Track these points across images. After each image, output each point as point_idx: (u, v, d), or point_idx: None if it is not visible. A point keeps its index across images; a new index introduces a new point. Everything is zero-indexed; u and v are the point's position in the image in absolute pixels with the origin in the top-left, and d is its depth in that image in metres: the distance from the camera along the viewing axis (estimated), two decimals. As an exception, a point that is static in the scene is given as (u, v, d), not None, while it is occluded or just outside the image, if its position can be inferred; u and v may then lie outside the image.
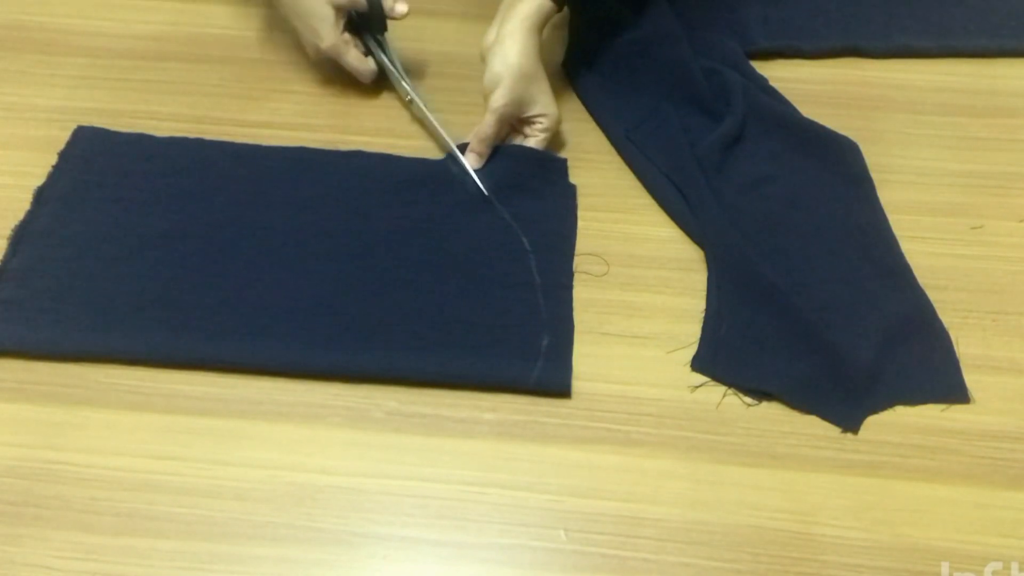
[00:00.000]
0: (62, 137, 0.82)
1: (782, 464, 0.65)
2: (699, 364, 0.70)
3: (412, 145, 0.83)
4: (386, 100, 0.88)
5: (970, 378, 0.69)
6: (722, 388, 0.69)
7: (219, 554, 0.60)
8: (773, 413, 0.68)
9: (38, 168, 0.80)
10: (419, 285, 0.73)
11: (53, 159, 0.80)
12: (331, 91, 0.88)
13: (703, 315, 0.73)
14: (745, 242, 0.75)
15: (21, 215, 0.76)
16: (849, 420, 0.67)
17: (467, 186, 0.79)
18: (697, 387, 0.69)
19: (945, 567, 0.61)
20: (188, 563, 0.60)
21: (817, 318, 0.70)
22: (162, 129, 0.83)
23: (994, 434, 0.67)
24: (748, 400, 0.68)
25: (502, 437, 0.66)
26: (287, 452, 0.65)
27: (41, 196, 0.77)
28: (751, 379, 0.69)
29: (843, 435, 0.66)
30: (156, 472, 0.64)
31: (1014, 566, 0.61)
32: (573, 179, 0.81)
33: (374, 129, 0.85)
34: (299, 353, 0.68)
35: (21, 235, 0.75)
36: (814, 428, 0.67)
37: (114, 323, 0.70)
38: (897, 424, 0.67)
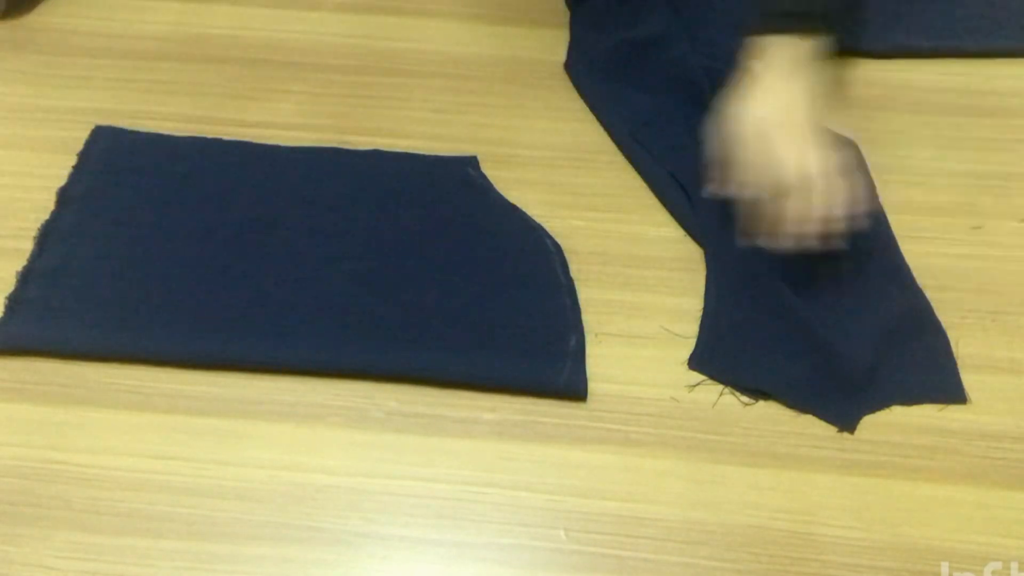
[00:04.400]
0: (62, 137, 0.82)
1: (782, 464, 0.65)
2: (696, 362, 0.70)
3: (413, 145, 0.83)
4: (386, 100, 0.88)
5: (970, 378, 0.69)
6: (719, 387, 0.69)
7: (219, 554, 0.60)
8: (772, 413, 0.68)
9: (38, 168, 0.80)
10: (444, 285, 0.73)
11: (53, 158, 0.80)
12: (331, 91, 0.88)
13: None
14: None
15: (23, 214, 0.76)
16: (845, 420, 0.67)
17: (490, 193, 0.79)
18: (695, 386, 0.69)
19: (945, 567, 0.61)
20: (188, 563, 0.60)
21: (814, 317, 0.70)
22: (163, 129, 0.83)
23: (994, 434, 0.67)
24: (745, 399, 0.68)
25: (502, 437, 0.66)
26: (287, 452, 0.65)
27: (64, 196, 0.78)
28: (748, 378, 0.69)
29: (843, 435, 0.66)
30: (156, 472, 0.64)
31: (1014, 566, 0.61)
32: (574, 179, 0.81)
33: (374, 129, 0.85)
34: (325, 353, 0.69)
35: (47, 235, 0.75)
36: (814, 428, 0.67)
37: (142, 325, 0.70)
38: (897, 424, 0.67)
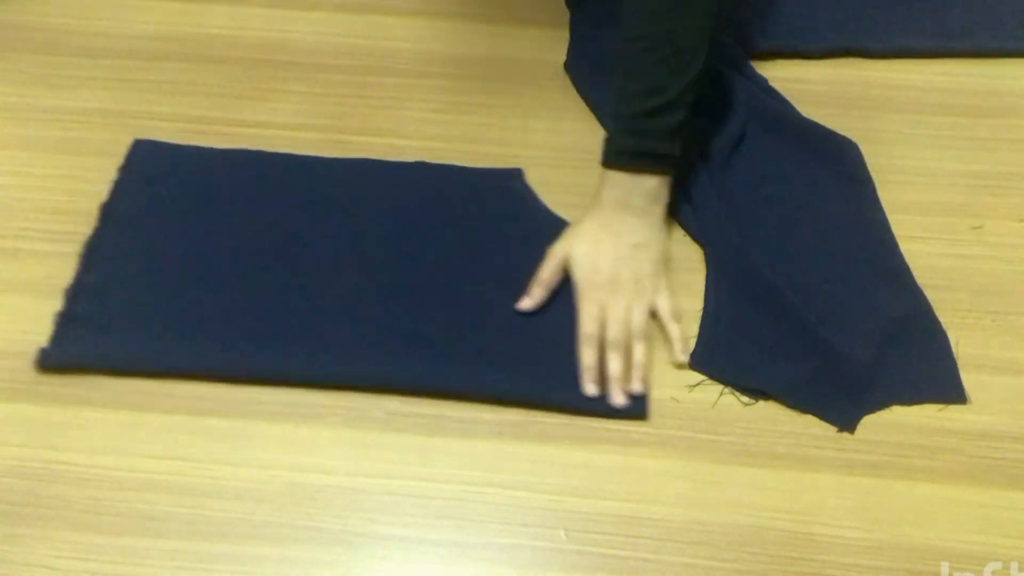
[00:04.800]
0: (62, 137, 0.83)
1: (782, 464, 0.65)
2: (696, 362, 0.70)
3: (413, 145, 0.83)
4: (386, 100, 0.88)
5: (969, 378, 0.69)
6: (719, 387, 0.69)
7: (219, 554, 0.60)
8: (772, 413, 0.68)
9: (38, 168, 0.80)
10: (490, 301, 0.72)
11: (53, 158, 0.81)
12: (331, 91, 0.88)
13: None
14: (745, 241, 0.75)
15: (23, 214, 0.77)
16: (845, 420, 0.67)
17: (537, 206, 0.79)
18: (695, 386, 0.69)
19: (944, 567, 0.61)
20: (188, 563, 0.60)
21: (815, 318, 0.70)
22: (162, 129, 0.84)
23: (994, 434, 0.67)
24: (745, 399, 0.68)
25: (502, 437, 0.66)
26: (287, 452, 0.65)
27: (106, 212, 0.77)
28: (748, 378, 0.69)
29: (843, 435, 0.67)
30: (156, 472, 0.64)
31: (1013, 566, 0.61)
32: (574, 179, 0.81)
33: (374, 129, 0.85)
34: (368, 368, 0.68)
35: (92, 251, 0.74)
36: (814, 428, 0.67)
37: (191, 340, 0.69)
38: (897, 424, 0.67)
